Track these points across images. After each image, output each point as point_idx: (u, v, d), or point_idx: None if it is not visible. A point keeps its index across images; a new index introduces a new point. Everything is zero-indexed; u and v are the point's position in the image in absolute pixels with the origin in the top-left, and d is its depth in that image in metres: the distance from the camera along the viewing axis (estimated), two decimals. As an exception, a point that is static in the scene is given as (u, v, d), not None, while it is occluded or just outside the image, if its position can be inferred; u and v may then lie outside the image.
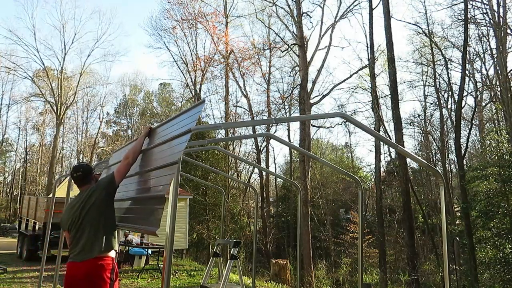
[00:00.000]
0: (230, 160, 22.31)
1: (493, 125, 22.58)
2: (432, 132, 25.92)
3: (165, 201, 2.55)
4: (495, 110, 21.11)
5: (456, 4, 18.09)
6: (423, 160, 5.35)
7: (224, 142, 21.22)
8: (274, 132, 27.19)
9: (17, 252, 11.46)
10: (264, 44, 26.21)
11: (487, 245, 13.92)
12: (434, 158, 25.85)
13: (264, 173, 26.69)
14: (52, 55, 58.11)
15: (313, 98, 20.18)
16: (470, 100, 32.67)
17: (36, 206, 11.07)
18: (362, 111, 30.40)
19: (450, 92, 21.57)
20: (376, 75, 18.56)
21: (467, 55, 17.24)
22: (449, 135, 23.83)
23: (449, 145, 24.07)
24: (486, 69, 20.99)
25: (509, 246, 12.70)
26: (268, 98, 26.63)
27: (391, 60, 15.03)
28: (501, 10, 16.32)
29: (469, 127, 18.75)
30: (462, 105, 16.72)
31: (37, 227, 10.59)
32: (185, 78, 26.64)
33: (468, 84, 19.93)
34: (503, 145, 13.99)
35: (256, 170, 27.66)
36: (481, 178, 14.46)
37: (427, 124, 25.86)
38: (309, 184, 18.08)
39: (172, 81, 50.02)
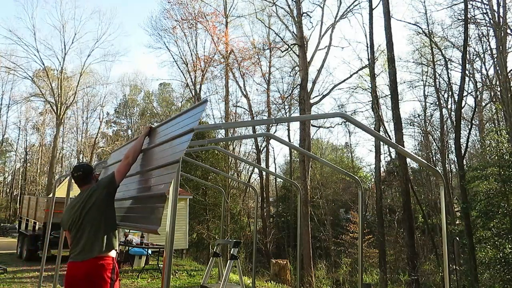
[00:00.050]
0: (230, 160, 22.31)
1: (493, 125, 22.57)
2: (432, 132, 25.94)
3: (166, 200, 2.55)
4: (495, 110, 21.11)
5: (456, 4, 18.12)
6: (423, 160, 5.35)
7: (224, 142, 21.22)
8: (274, 132, 27.20)
9: (17, 252, 11.45)
10: (264, 44, 26.22)
11: (487, 245, 13.91)
12: (434, 158, 25.85)
13: (264, 173, 26.69)
14: (52, 55, 58.33)
15: (313, 98, 20.18)
16: (470, 100, 32.75)
17: (36, 206, 11.06)
18: (362, 111, 30.52)
19: (450, 92, 21.60)
20: (376, 75, 18.57)
21: (467, 55, 17.24)
22: (449, 135, 23.84)
23: (449, 145, 24.08)
24: (486, 69, 21.05)
25: (509, 246, 12.69)
26: (268, 98, 26.66)
27: (391, 60, 15.04)
28: (501, 10, 16.35)
29: (469, 127, 18.75)
30: (462, 105, 16.73)
31: (37, 227, 10.59)
32: (185, 78, 26.67)
33: (468, 84, 19.97)
34: (503, 145, 13.99)
35: (256, 170, 27.66)
36: (481, 178, 14.46)
37: (427, 124, 25.88)
38: (309, 184, 18.07)
39: (172, 81, 50.10)
